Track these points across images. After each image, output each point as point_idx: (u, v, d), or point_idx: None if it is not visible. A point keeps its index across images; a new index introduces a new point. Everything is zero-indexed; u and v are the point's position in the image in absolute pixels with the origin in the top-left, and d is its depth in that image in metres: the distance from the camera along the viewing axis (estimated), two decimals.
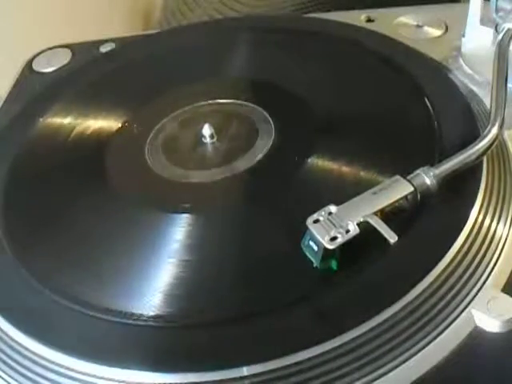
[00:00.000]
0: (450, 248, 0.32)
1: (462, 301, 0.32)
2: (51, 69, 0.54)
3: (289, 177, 0.38)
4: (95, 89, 0.49)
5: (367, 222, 0.32)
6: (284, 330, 0.30)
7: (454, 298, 0.32)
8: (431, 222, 0.34)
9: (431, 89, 0.42)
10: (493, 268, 0.33)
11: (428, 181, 0.34)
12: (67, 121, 0.46)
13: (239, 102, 0.44)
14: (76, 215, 0.39)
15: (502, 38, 0.41)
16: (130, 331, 0.32)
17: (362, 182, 0.36)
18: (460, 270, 0.32)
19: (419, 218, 0.34)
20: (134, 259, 0.35)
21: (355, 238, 0.31)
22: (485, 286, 0.32)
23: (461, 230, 0.33)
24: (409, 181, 0.34)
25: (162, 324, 0.32)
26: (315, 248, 0.32)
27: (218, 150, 0.41)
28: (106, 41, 0.55)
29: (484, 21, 0.45)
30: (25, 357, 0.32)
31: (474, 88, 0.43)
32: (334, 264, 0.32)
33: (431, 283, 0.31)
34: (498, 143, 0.37)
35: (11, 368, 0.33)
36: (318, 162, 0.39)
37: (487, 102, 0.40)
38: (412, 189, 0.33)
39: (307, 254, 0.32)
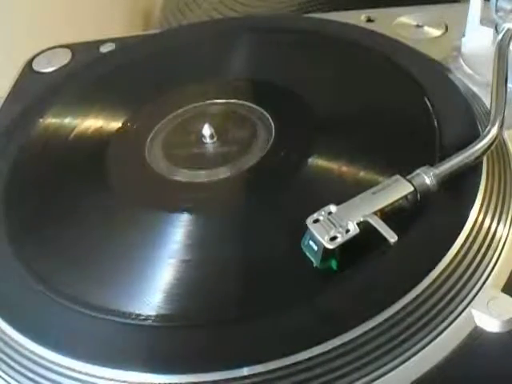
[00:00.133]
0: (449, 248, 0.32)
1: (462, 301, 0.32)
2: (51, 69, 0.54)
3: (289, 177, 0.38)
4: (95, 89, 0.49)
5: (367, 222, 0.32)
6: (284, 330, 0.30)
7: (454, 297, 0.32)
8: (431, 222, 0.34)
9: (431, 89, 0.42)
10: (493, 268, 0.33)
11: (428, 181, 0.34)
12: (67, 121, 0.46)
13: (239, 101, 0.44)
14: (76, 215, 0.39)
15: (502, 38, 0.41)
16: (129, 331, 0.32)
17: (362, 182, 0.36)
18: (460, 270, 0.32)
19: (419, 217, 0.34)
20: (134, 259, 0.35)
21: (355, 237, 0.31)
22: (485, 286, 0.32)
23: (461, 229, 0.33)
24: (409, 181, 0.34)
25: (162, 324, 0.32)
26: (315, 248, 0.32)
27: (218, 149, 0.41)
28: (106, 41, 0.55)
29: (484, 21, 0.45)
30: (25, 357, 0.32)
31: (474, 88, 0.43)
32: (333, 264, 0.32)
33: (431, 283, 0.31)
34: (498, 143, 0.37)
35: (11, 368, 0.33)
36: (317, 161, 0.39)
37: (487, 102, 0.40)
38: (412, 189, 0.33)
39: (307, 253, 0.32)
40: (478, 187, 0.35)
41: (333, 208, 0.33)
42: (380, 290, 0.31)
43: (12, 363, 0.33)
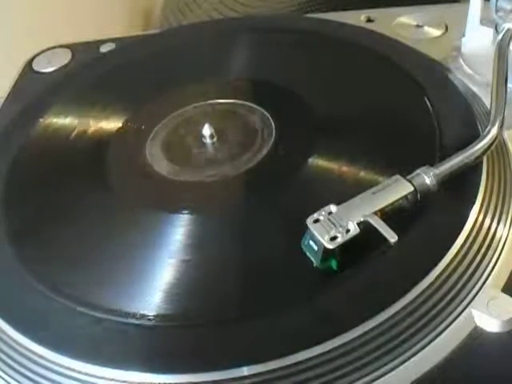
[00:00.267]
0: (449, 248, 0.32)
1: (462, 301, 0.32)
2: (51, 69, 0.54)
3: (289, 177, 0.38)
4: (95, 89, 0.49)
5: (367, 222, 0.32)
6: (284, 330, 0.30)
7: (454, 298, 0.32)
8: (431, 222, 0.34)
9: (431, 89, 0.42)
10: (493, 268, 0.33)
11: (428, 181, 0.34)
12: (67, 121, 0.46)
13: (239, 101, 0.44)
14: (76, 215, 0.39)
15: (502, 37, 0.41)
16: (130, 331, 0.32)
17: (362, 182, 0.36)
18: (460, 270, 0.32)
19: (419, 217, 0.34)
20: (134, 259, 0.35)
21: (355, 237, 0.31)
22: (485, 286, 0.32)
23: (461, 229, 0.33)
24: (409, 181, 0.34)
25: (161, 324, 0.32)
26: (315, 248, 0.32)
27: (218, 150, 0.41)
28: (106, 41, 0.55)
29: (484, 21, 0.45)
30: (25, 357, 0.32)
31: (474, 88, 0.43)
32: (334, 264, 0.32)
33: (431, 283, 0.31)
34: (498, 143, 0.37)
35: (11, 368, 0.33)
36: (318, 161, 0.39)
37: (487, 102, 0.40)
38: (412, 188, 0.33)
39: (307, 253, 0.32)
40: (478, 187, 0.35)
41: (333, 208, 0.33)
42: (380, 290, 0.31)
43: (12, 363, 0.33)
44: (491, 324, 0.31)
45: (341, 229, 0.32)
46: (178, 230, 0.36)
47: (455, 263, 0.32)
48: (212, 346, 0.31)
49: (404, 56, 0.45)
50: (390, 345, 0.30)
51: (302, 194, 0.37)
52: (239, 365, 0.29)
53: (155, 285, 0.34)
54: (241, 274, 0.34)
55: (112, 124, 0.45)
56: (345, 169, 0.38)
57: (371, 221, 0.32)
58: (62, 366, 0.31)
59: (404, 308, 0.31)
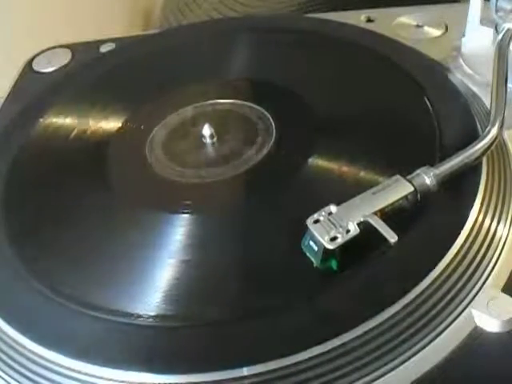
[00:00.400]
0: (449, 248, 0.32)
1: (462, 301, 0.32)
2: (51, 69, 0.54)
3: (289, 177, 0.38)
4: (95, 89, 0.49)
5: (367, 222, 0.32)
6: (284, 330, 0.30)
7: (454, 298, 0.32)
8: (431, 221, 0.34)
9: (431, 89, 0.42)
10: (493, 268, 0.33)
11: (428, 181, 0.34)
12: (67, 121, 0.46)
13: (239, 101, 0.44)
14: (76, 215, 0.39)
15: (502, 38, 0.41)
16: (130, 331, 0.32)
17: (362, 182, 0.36)
18: (460, 270, 0.32)
19: (419, 217, 0.34)
20: (133, 259, 0.35)
21: (355, 238, 0.31)
22: (485, 286, 0.32)
23: (461, 229, 0.33)
24: (409, 181, 0.34)
25: (161, 324, 0.32)
26: (315, 248, 0.32)
27: (218, 150, 0.41)
28: (106, 41, 0.55)
29: (484, 21, 0.45)
30: (25, 357, 0.32)
31: (474, 88, 0.43)
32: (334, 264, 0.32)
33: (431, 283, 0.31)
34: (498, 143, 0.37)
35: (11, 368, 0.33)
36: (318, 161, 0.39)
37: (487, 102, 0.40)
38: (412, 189, 0.33)
39: (307, 254, 0.32)
40: (478, 187, 0.35)
41: (333, 208, 0.33)
42: (380, 290, 0.31)
43: (12, 363, 0.33)
44: (491, 324, 0.31)
45: (341, 229, 0.32)
46: (178, 230, 0.36)
47: (455, 263, 0.32)
48: (212, 346, 0.31)
49: (404, 56, 0.45)
50: (390, 345, 0.30)
51: (302, 194, 0.37)
52: (239, 365, 0.29)
53: (155, 285, 0.34)
54: (241, 274, 0.34)
55: (112, 124, 0.45)
56: (345, 169, 0.38)
57: (371, 221, 0.32)
58: (61, 366, 0.31)
59: (404, 308, 0.31)
